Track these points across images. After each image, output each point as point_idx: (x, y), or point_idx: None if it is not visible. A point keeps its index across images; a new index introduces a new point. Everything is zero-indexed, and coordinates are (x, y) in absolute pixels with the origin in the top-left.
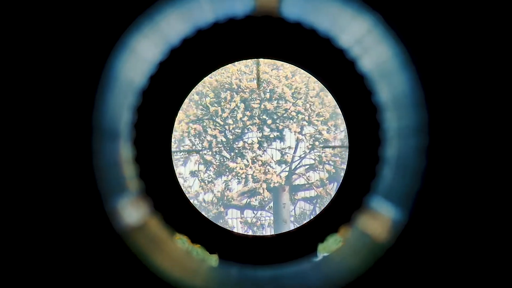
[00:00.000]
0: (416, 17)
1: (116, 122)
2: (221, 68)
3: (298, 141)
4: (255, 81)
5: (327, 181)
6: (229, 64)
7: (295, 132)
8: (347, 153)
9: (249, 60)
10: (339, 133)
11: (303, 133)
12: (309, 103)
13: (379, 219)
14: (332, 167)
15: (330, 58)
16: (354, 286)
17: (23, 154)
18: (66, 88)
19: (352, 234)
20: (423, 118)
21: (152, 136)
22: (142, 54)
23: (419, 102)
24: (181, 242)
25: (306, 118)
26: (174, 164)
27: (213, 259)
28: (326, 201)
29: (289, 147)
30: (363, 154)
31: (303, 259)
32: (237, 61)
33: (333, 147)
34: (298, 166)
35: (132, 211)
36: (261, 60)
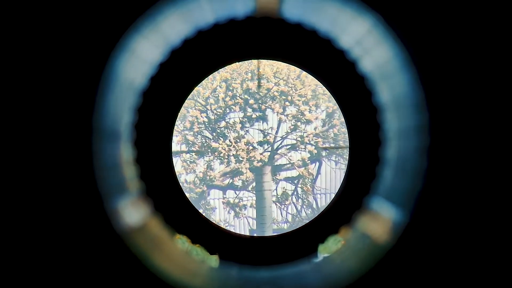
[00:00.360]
0: (416, 18)
1: (116, 123)
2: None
3: (280, 121)
4: (256, 81)
5: (309, 161)
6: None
7: (277, 112)
8: (348, 154)
9: (250, 61)
10: (320, 113)
11: (286, 113)
12: (291, 84)
13: (380, 220)
14: (313, 147)
15: (330, 59)
16: (354, 287)
17: (24, 155)
18: (66, 89)
19: (353, 235)
20: (423, 119)
21: (153, 137)
22: (142, 55)
23: (420, 102)
24: (181, 242)
25: (289, 98)
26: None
27: (213, 260)
28: (308, 181)
29: (271, 128)
30: (363, 155)
31: (303, 260)
32: (237, 61)
33: (334, 148)
34: (280, 146)
35: (133, 212)
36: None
